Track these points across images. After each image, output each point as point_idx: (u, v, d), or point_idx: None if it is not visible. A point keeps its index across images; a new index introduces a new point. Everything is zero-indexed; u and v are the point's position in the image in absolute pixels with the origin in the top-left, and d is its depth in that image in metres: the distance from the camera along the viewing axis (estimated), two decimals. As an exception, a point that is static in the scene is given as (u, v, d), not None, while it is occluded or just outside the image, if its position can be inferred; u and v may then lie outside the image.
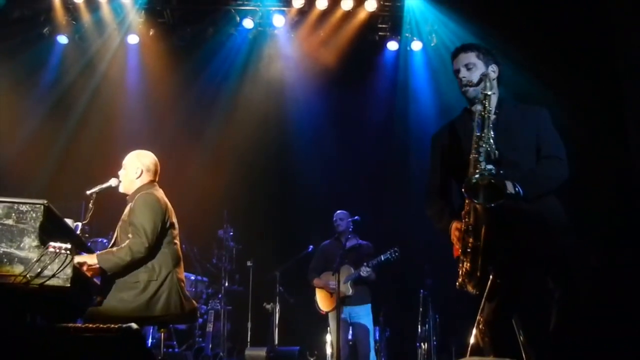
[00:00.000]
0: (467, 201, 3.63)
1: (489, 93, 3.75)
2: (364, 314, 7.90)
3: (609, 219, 7.39)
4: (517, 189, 3.67)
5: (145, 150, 5.52)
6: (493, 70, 4.05)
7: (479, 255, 3.66)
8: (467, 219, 3.70)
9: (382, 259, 7.69)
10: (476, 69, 4.01)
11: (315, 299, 8.08)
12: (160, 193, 5.29)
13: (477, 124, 3.70)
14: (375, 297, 8.04)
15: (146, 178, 5.33)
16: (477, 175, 3.50)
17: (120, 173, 5.37)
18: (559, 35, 8.06)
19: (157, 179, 5.42)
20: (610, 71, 7.69)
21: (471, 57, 4.05)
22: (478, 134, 3.66)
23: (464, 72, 4.01)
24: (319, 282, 8.05)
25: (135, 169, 5.30)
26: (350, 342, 7.89)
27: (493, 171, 3.49)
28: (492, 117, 3.76)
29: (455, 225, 3.83)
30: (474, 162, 3.58)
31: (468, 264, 3.74)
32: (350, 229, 7.95)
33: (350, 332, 7.89)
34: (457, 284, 3.87)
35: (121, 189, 5.33)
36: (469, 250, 3.71)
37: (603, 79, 7.78)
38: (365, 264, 7.72)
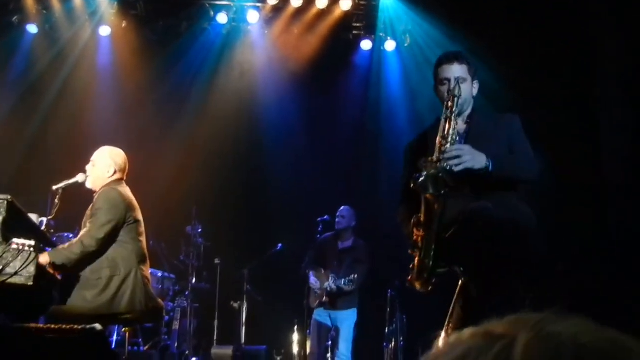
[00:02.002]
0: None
1: (457, 94, 3.73)
2: (346, 319, 7.86)
3: (576, 225, 7.44)
4: (487, 162, 3.62)
5: (115, 145, 5.46)
6: (475, 87, 4.02)
7: (428, 249, 3.63)
8: (418, 215, 3.68)
9: (342, 283, 7.64)
10: (465, 84, 3.87)
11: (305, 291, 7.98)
12: (124, 189, 5.24)
13: (442, 125, 3.69)
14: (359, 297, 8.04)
15: (116, 176, 5.27)
16: (424, 172, 3.51)
17: (87, 168, 5.29)
18: (534, 40, 8.10)
19: (124, 178, 5.36)
20: (585, 79, 7.74)
21: (464, 71, 3.89)
22: (442, 134, 3.65)
23: (453, 84, 3.80)
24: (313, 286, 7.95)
25: (108, 167, 5.23)
26: (329, 345, 7.87)
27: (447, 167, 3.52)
28: (463, 125, 3.76)
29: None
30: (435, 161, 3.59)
31: (416, 260, 3.71)
32: (352, 225, 7.99)
33: (330, 336, 7.90)
34: (407, 281, 3.79)
35: (88, 185, 5.26)
36: (418, 244, 3.67)
37: (578, 87, 7.83)
38: (339, 278, 7.66)
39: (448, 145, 3.61)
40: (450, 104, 3.71)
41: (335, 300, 7.81)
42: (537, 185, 3.98)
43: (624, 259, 6.88)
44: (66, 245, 4.84)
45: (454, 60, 3.91)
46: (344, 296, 7.79)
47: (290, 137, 9.80)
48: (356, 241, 8.10)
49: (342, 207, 8.13)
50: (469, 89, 3.92)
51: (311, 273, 7.92)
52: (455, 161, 3.56)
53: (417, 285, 3.73)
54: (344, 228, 8.04)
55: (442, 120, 3.72)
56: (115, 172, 5.24)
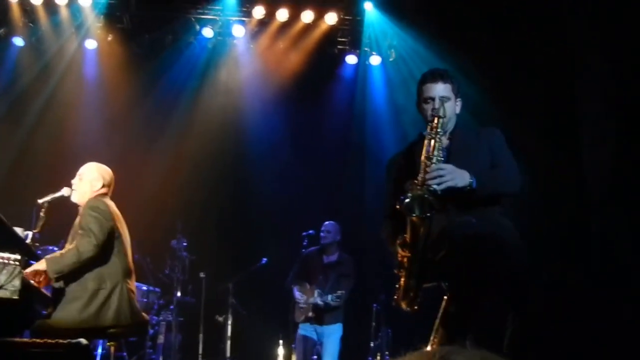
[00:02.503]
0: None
1: (441, 115, 3.76)
2: (332, 333, 7.87)
3: (560, 234, 7.50)
4: (471, 179, 3.67)
5: (100, 157, 5.47)
6: (458, 105, 4.05)
7: (412, 269, 3.67)
8: (404, 235, 3.70)
9: (329, 298, 7.68)
10: (449, 102, 3.91)
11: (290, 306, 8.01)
12: (110, 202, 5.24)
13: (426, 145, 3.72)
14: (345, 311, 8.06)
15: (101, 191, 5.27)
16: (410, 194, 3.57)
17: (74, 182, 5.29)
18: (516, 54, 8.16)
19: (109, 194, 5.36)
20: (567, 91, 7.80)
21: (448, 90, 3.92)
22: (426, 155, 3.69)
23: (437, 104, 3.85)
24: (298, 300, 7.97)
25: (95, 181, 5.23)
26: (315, 359, 7.89)
27: (432, 188, 3.57)
28: (445, 141, 3.81)
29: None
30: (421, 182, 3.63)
31: (402, 280, 3.75)
32: (336, 242, 8.01)
33: (316, 350, 7.91)
34: (393, 301, 3.85)
35: (74, 199, 5.25)
36: (404, 265, 3.72)
37: (559, 97, 7.89)
38: (330, 296, 7.68)
39: (433, 165, 3.65)
40: (434, 124, 3.74)
41: (321, 315, 7.82)
42: (519, 197, 4.02)
43: (606, 269, 6.94)
44: (62, 251, 4.83)
45: (438, 79, 3.94)
46: (330, 311, 7.80)
47: (276, 151, 9.81)
48: (341, 255, 8.11)
49: (327, 222, 8.15)
50: (452, 108, 3.96)
51: (295, 288, 7.93)
52: (438, 180, 3.60)
53: (404, 305, 3.78)
54: (329, 243, 8.05)
55: (427, 140, 3.75)
56: (102, 187, 5.24)
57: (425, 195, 3.54)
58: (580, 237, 7.45)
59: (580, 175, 7.56)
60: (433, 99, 3.89)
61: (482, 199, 3.79)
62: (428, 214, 3.55)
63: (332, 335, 7.85)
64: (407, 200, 3.56)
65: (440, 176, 3.61)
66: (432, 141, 3.72)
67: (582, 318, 6.49)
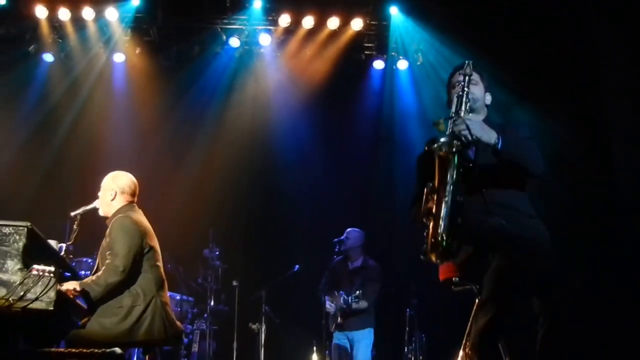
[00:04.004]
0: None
1: (468, 73, 3.82)
2: (362, 338, 7.90)
3: (593, 241, 7.41)
4: (497, 140, 3.67)
5: (131, 169, 5.50)
6: (487, 98, 4.11)
7: (441, 213, 3.56)
8: (432, 182, 3.66)
9: (350, 301, 7.72)
10: (477, 86, 4.00)
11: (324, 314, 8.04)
12: (138, 215, 5.26)
13: (455, 101, 3.77)
14: (376, 314, 8.06)
15: (122, 200, 5.29)
16: (438, 138, 3.56)
17: (99, 195, 5.34)
18: (545, 57, 8.11)
19: (135, 200, 5.38)
20: (595, 95, 7.74)
21: (476, 77, 4.01)
22: (454, 110, 3.74)
23: (466, 74, 3.89)
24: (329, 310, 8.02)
25: (110, 191, 5.27)
26: None
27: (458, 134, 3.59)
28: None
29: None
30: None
31: (431, 227, 3.61)
32: (358, 246, 8.05)
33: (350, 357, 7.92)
34: (422, 255, 3.67)
35: (100, 213, 5.30)
36: (432, 211, 3.61)
37: (589, 102, 7.82)
38: (351, 297, 7.71)
39: (460, 118, 3.67)
40: (463, 83, 3.80)
41: (349, 320, 7.84)
42: (549, 200, 3.99)
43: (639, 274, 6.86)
44: (93, 278, 4.87)
45: (466, 67, 3.96)
46: (358, 315, 7.83)
47: (305, 158, 9.82)
48: (365, 260, 8.18)
49: (348, 229, 8.20)
50: (481, 91, 4.01)
51: (327, 298, 7.96)
52: (465, 131, 3.61)
53: (433, 258, 3.64)
54: (349, 248, 8.09)
55: (455, 98, 3.80)
56: (116, 195, 5.27)
57: (454, 140, 3.54)
58: (612, 242, 7.37)
59: (612, 178, 7.48)
60: (460, 82, 3.92)
61: (508, 177, 3.82)
62: (455, 150, 3.53)
63: (362, 341, 7.88)
64: (435, 142, 3.56)
65: (467, 127, 3.62)
66: (460, 98, 3.78)
67: (614, 323, 6.42)
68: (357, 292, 7.68)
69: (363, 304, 7.78)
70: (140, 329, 4.87)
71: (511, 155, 3.73)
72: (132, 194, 5.37)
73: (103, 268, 4.90)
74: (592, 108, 7.79)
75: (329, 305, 7.91)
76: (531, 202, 3.99)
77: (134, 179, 5.42)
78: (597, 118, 7.75)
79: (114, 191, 5.27)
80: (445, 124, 3.68)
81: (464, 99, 3.76)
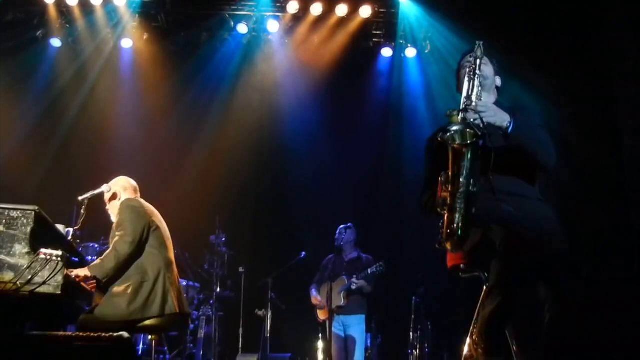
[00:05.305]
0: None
1: (479, 55, 3.76)
2: (354, 324, 7.92)
3: (600, 230, 7.39)
4: (509, 124, 3.66)
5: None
6: (497, 81, 4.07)
7: (456, 203, 3.56)
8: (446, 172, 3.65)
9: (369, 272, 7.78)
10: (487, 66, 3.97)
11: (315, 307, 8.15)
12: (143, 201, 5.30)
13: (466, 85, 3.73)
14: (368, 305, 8.04)
15: (127, 195, 5.33)
16: (451, 127, 3.53)
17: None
18: (554, 44, 8.07)
19: (138, 195, 5.42)
20: (605, 84, 7.70)
21: (486, 60, 3.96)
22: (465, 95, 3.70)
23: (476, 56, 3.83)
24: (315, 301, 8.16)
25: (114, 194, 5.32)
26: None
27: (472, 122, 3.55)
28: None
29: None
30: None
31: (446, 217, 3.62)
32: (352, 241, 8.09)
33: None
34: (437, 244, 3.71)
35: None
36: (446, 202, 3.61)
37: (598, 91, 7.78)
38: (355, 275, 7.77)
39: (473, 104, 3.64)
40: (473, 66, 3.75)
41: (342, 307, 7.88)
42: (558, 186, 3.96)
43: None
44: (101, 258, 4.89)
45: (476, 50, 3.89)
46: (353, 296, 7.85)
47: (312, 145, 9.81)
48: (359, 253, 8.25)
49: (340, 227, 8.27)
50: (491, 71, 3.99)
51: (314, 288, 8.06)
52: (478, 120, 3.58)
53: (449, 246, 3.67)
54: (344, 243, 8.16)
55: (466, 82, 3.75)
56: (120, 194, 5.34)
57: (467, 129, 3.52)
58: (621, 232, 7.35)
59: (621, 168, 7.45)
60: (470, 62, 3.87)
61: (518, 162, 3.77)
62: (469, 142, 3.51)
63: (357, 326, 7.94)
64: (448, 132, 3.54)
65: (480, 112, 3.61)
66: (472, 81, 3.74)
67: (621, 309, 6.40)
68: (363, 273, 7.75)
69: (367, 288, 7.82)
70: (153, 305, 4.86)
71: (522, 141, 3.71)
72: (135, 190, 5.44)
73: (112, 243, 4.92)
74: (602, 97, 7.75)
75: (315, 294, 8.07)
76: (541, 188, 3.96)
77: (130, 179, 5.48)
78: (607, 107, 7.71)
79: (117, 192, 5.31)
80: (458, 116, 3.65)
81: (476, 82, 3.73)
